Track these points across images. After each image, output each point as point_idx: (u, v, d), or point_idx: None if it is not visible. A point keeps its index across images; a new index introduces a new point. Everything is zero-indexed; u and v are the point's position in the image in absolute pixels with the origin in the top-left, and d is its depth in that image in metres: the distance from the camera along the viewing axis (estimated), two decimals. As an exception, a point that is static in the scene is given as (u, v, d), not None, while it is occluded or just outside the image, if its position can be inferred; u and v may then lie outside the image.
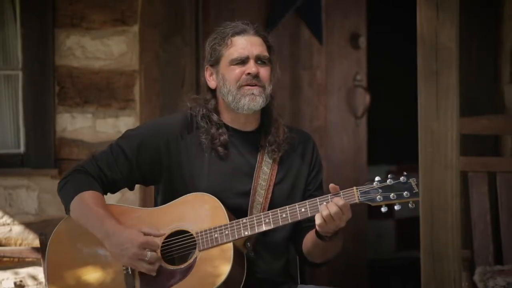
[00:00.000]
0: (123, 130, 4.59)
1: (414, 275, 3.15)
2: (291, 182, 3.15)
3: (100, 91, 4.73)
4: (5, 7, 4.75)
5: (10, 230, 4.67)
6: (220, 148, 3.08)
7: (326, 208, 2.91)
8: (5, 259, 4.60)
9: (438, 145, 2.59)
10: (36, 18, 4.67)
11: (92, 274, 3.05)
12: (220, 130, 3.10)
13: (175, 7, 4.74)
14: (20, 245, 4.66)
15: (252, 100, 3.05)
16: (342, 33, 5.55)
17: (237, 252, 2.97)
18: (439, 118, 2.59)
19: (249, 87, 3.05)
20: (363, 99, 5.62)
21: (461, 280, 2.75)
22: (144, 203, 4.53)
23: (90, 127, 4.73)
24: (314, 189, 3.18)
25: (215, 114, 3.12)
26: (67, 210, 3.07)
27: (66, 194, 3.08)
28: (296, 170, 3.17)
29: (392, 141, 6.80)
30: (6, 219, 4.67)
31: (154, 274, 2.98)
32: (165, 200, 3.11)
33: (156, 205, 3.20)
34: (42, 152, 4.69)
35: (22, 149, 4.75)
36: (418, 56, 2.60)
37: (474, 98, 4.62)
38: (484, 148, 4.64)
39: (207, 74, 3.15)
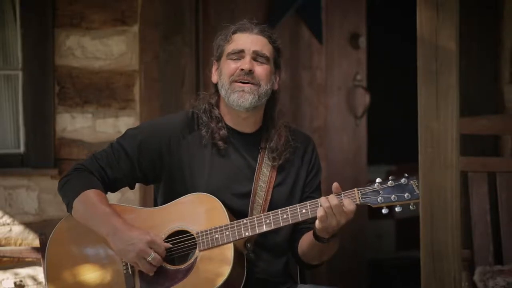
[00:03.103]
0: (123, 130, 4.59)
1: (414, 275, 3.15)
2: (290, 185, 3.15)
3: (100, 91, 4.73)
4: (5, 7, 4.75)
5: (10, 230, 4.67)
6: (220, 143, 3.08)
7: (327, 201, 2.91)
8: (5, 259, 4.60)
9: (438, 145, 2.60)
10: (36, 18, 4.67)
11: (92, 274, 3.05)
12: (220, 124, 3.10)
13: (175, 7, 4.74)
14: (20, 245, 4.66)
15: (241, 97, 3.05)
16: (342, 33, 5.54)
17: (237, 253, 2.97)
18: (439, 118, 2.59)
19: (240, 84, 3.06)
20: (363, 99, 5.62)
21: (461, 280, 2.75)
22: (144, 203, 4.53)
23: (90, 127, 4.73)
24: (311, 191, 3.18)
25: (216, 109, 3.13)
26: (69, 208, 3.07)
27: (69, 192, 3.07)
28: (295, 173, 3.17)
29: (392, 141, 6.80)
30: (6, 219, 4.67)
31: (151, 274, 2.98)
32: (166, 200, 3.11)
33: (156, 204, 3.20)
34: (42, 152, 4.69)
35: (22, 149, 4.75)
36: (418, 56, 2.60)
37: (474, 98, 4.61)
38: (484, 148, 4.63)
39: (213, 68, 3.17)
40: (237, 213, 3.04)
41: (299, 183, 3.17)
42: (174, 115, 3.22)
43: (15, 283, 4.62)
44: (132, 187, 3.20)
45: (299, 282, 3.26)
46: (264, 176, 3.11)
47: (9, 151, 4.76)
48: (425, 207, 2.62)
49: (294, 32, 5.34)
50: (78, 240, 3.08)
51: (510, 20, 4.68)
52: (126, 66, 4.73)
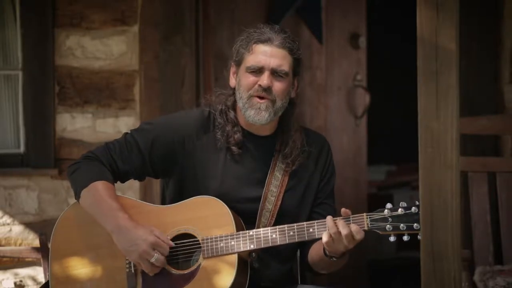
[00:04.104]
0: (123, 130, 4.60)
1: (414, 275, 3.15)
2: (303, 189, 3.13)
3: (100, 91, 4.73)
4: (5, 7, 4.75)
5: (10, 230, 4.67)
6: (234, 148, 3.07)
7: (334, 226, 2.90)
8: (5, 259, 4.60)
9: (438, 145, 2.59)
10: (36, 18, 4.67)
11: (94, 268, 3.05)
12: (235, 128, 3.09)
13: (175, 7, 4.74)
14: (20, 245, 4.66)
15: (257, 114, 3.04)
16: (342, 33, 5.55)
17: (241, 261, 2.97)
18: (439, 118, 2.59)
19: (258, 99, 3.03)
20: (363, 99, 5.62)
21: (461, 280, 2.75)
22: (144, 203, 4.52)
23: (90, 127, 4.73)
24: (324, 196, 3.16)
25: (232, 112, 3.12)
26: (77, 196, 3.06)
27: (79, 179, 3.06)
28: (308, 177, 3.15)
29: (392, 141, 6.80)
30: (6, 219, 4.67)
31: (153, 274, 2.98)
32: (174, 197, 3.10)
33: (163, 200, 3.20)
34: (42, 152, 4.70)
35: (22, 149, 4.75)
36: (418, 56, 2.59)
37: (474, 98, 4.62)
38: (484, 148, 4.63)
39: (231, 71, 3.14)
40: (246, 217, 3.03)
41: (312, 187, 3.15)
42: (191, 112, 3.20)
43: (15, 283, 4.62)
44: (141, 180, 3.21)
45: (299, 283, 3.26)
46: (276, 180, 3.09)
47: (9, 151, 4.76)
48: (425, 207, 2.61)
49: (294, 32, 5.31)
50: (84, 230, 3.07)
51: (510, 20, 4.68)
52: (126, 66, 4.73)
